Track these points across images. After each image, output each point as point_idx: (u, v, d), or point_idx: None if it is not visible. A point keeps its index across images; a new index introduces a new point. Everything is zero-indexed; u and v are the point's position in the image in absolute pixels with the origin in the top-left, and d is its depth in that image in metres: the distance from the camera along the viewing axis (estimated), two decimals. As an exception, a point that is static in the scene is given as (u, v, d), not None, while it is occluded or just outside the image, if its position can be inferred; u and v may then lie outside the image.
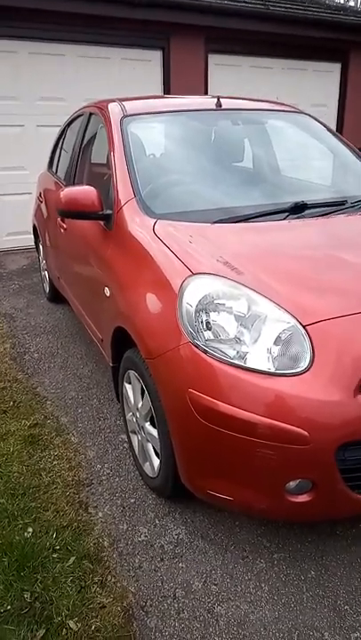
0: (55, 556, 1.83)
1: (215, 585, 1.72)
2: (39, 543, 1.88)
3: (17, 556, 1.81)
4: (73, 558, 1.81)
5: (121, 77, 5.86)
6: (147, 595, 1.69)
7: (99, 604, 1.66)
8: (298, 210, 2.23)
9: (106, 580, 1.74)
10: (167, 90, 6.18)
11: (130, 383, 2.16)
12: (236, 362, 1.55)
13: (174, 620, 1.61)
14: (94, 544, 1.88)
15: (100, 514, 2.04)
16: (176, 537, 1.91)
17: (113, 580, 1.74)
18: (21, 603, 1.65)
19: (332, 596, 1.68)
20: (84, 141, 3.19)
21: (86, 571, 1.77)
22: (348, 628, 1.58)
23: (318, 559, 1.81)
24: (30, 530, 1.94)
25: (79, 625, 1.59)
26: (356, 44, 7.21)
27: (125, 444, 2.43)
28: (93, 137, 3.09)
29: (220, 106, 2.88)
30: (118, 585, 1.72)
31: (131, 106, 2.77)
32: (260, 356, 1.56)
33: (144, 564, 1.81)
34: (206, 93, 6.33)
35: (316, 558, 1.82)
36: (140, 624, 1.60)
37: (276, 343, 1.57)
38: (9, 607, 1.64)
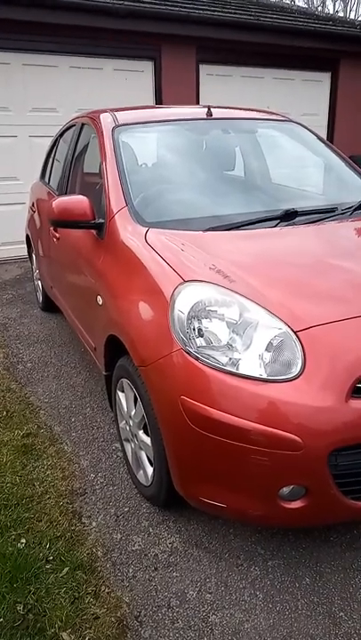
0: (48, 566, 1.81)
1: (210, 593, 1.71)
2: (32, 554, 1.86)
3: (10, 568, 1.79)
4: (66, 569, 1.80)
5: (113, 88, 5.91)
6: (141, 605, 1.68)
7: (92, 614, 1.64)
8: (289, 217, 2.25)
9: (100, 590, 1.73)
10: (159, 100, 6.23)
11: (123, 391, 2.16)
12: (229, 368, 1.56)
13: (169, 630, 1.59)
14: (88, 554, 1.87)
15: (94, 523, 2.02)
16: (170, 546, 1.90)
17: (107, 590, 1.73)
18: (14, 615, 1.64)
19: (327, 603, 1.67)
20: (77, 151, 3.21)
21: (80, 581, 1.75)
22: (344, 634, 1.57)
23: (313, 566, 1.81)
24: (23, 541, 1.92)
25: (73, 636, 1.57)
26: (346, 54, 7.31)
27: (119, 453, 2.43)
28: (85, 147, 3.11)
29: (211, 115, 2.91)
30: (112, 595, 1.71)
31: (122, 116, 2.79)
32: (252, 362, 1.57)
33: (138, 574, 1.79)
34: (198, 103, 6.38)
35: (310, 565, 1.81)
36: (135, 634, 1.59)
37: (267, 349, 1.57)
38: (1, 620, 1.62)
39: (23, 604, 1.67)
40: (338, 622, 1.61)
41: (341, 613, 1.64)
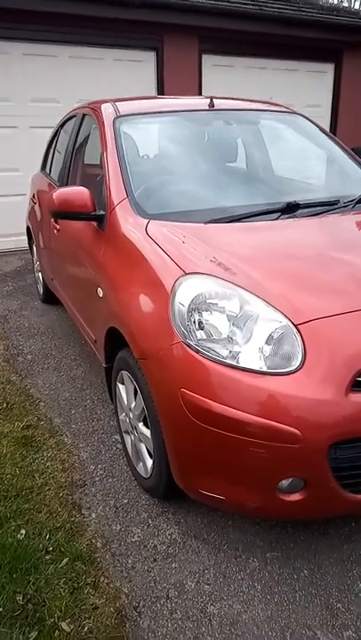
0: (48, 557, 1.82)
1: (208, 585, 1.72)
2: (32, 545, 1.87)
3: (9, 558, 1.80)
4: (66, 559, 1.81)
5: (114, 78, 5.86)
6: (140, 595, 1.69)
7: (91, 605, 1.65)
8: (291, 209, 2.24)
9: (99, 581, 1.74)
10: (161, 90, 6.18)
11: (123, 384, 2.16)
12: (229, 361, 1.56)
13: (167, 621, 1.60)
14: (87, 545, 1.88)
15: (94, 515, 2.03)
16: (169, 537, 1.91)
17: (106, 580, 1.74)
18: (14, 605, 1.65)
19: (325, 595, 1.68)
20: (78, 142, 3.19)
21: (79, 572, 1.76)
22: (341, 626, 1.58)
23: (311, 558, 1.82)
24: (23, 532, 1.93)
25: (72, 626, 1.58)
26: (350, 45, 7.24)
27: (119, 445, 2.43)
28: (86, 138, 3.09)
29: (213, 106, 2.89)
30: (111, 586, 1.72)
31: (124, 106, 2.77)
32: (252, 355, 1.56)
33: (137, 565, 1.80)
34: (200, 94, 6.33)
35: (308, 557, 1.82)
36: (133, 625, 1.60)
37: (268, 342, 1.57)
38: (1, 609, 1.63)
39: (23, 595, 1.68)
40: (335, 614, 1.62)
41: (339, 605, 1.65)
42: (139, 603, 1.67)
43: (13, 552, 1.83)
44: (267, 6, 6.39)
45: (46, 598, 1.67)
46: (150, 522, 1.99)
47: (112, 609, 1.64)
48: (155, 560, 1.82)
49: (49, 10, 5.14)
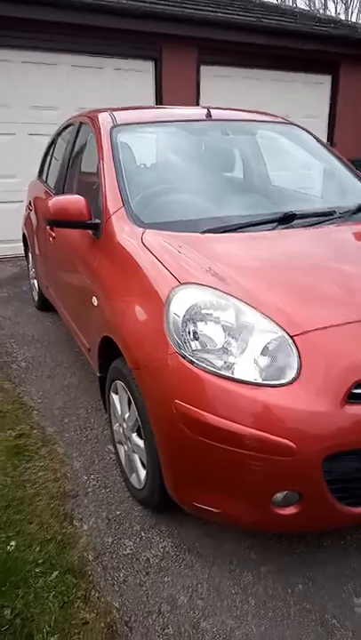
0: (38, 570, 1.79)
1: (201, 599, 1.69)
2: (22, 557, 1.84)
3: (-1, 571, 1.77)
4: (56, 572, 1.77)
5: (113, 87, 5.89)
6: (131, 610, 1.66)
7: (81, 619, 1.62)
8: (287, 220, 2.24)
9: (89, 594, 1.71)
10: (159, 100, 6.22)
11: (117, 393, 2.14)
12: (224, 372, 1.54)
13: (159, 637, 1.57)
14: (78, 558, 1.85)
15: (85, 526, 2.00)
16: (162, 550, 1.88)
17: (97, 594, 1.71)
18: (1, 620, 1.61)
19: (320, 610, 1.65)
20: (75, 150, 3.19)
21: (69, 585, 1.73)
22: (336, 643, 1.55)
23: (306, 571, 1.79)
24: (13, 543, 1.90)
25: (61, 642, 1.55)
26: (347, 57, 7.31)
27: (112, 455, 2.40)
28: (83, 146, 3.09)
29: (211, 116, 2.89)
30: (102, 600, 1.69)
31: (121, 116, 2.77)
32: (247, 366, 1.55)
33: (129, 579, 1.77)
34: (198, 104, 6.37)
35: (303, 571, 1.79)
36: (124, 640, 1.57)
37: (263, 354, 1.56)
38: (-11, 624, 1.60)
39: (11, 609, 1.64)
40: (330, 630, 1.59)
41: (334, 621, 1.62)
42: (130, 618, 1.64)
43: (2, 565, 1.79)
44: (265, 18, 6.46)
45: (35, 613, 1.63)
46: (143, 534, 1.96)
47: (103, 624, 1.60)
48: (147, 573, 1.79)
49: (50, 19, 5.18)
